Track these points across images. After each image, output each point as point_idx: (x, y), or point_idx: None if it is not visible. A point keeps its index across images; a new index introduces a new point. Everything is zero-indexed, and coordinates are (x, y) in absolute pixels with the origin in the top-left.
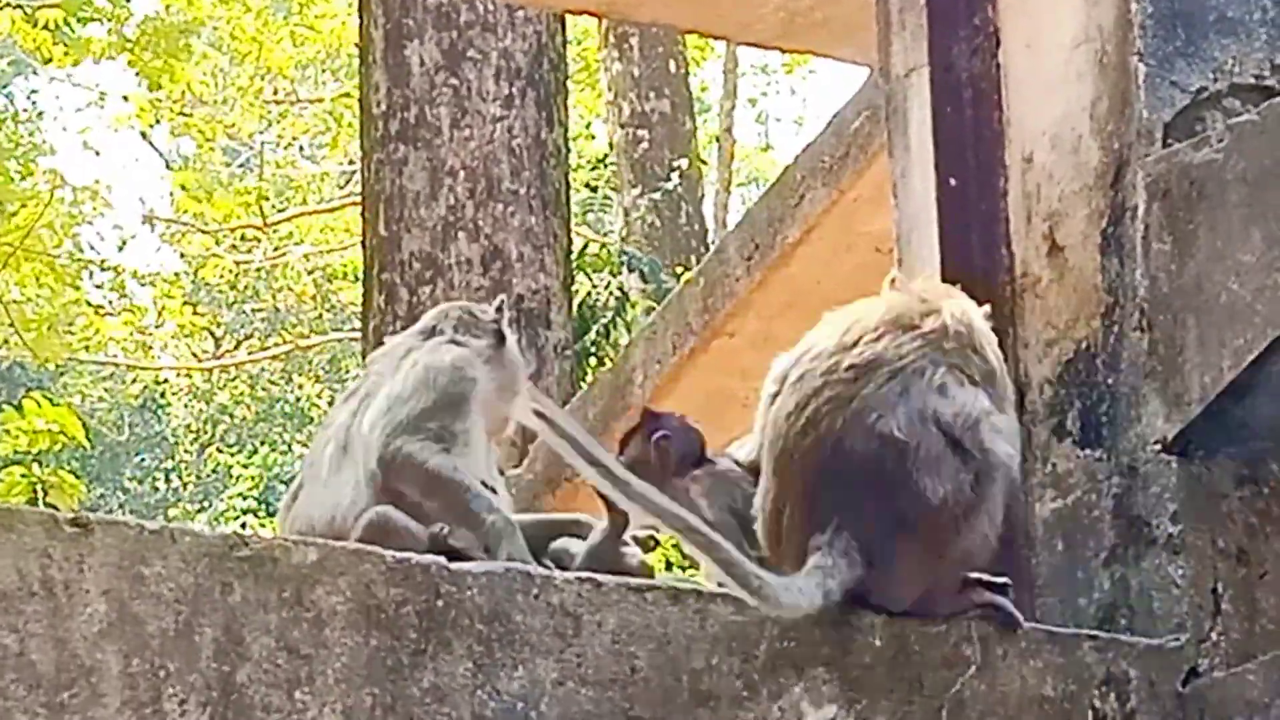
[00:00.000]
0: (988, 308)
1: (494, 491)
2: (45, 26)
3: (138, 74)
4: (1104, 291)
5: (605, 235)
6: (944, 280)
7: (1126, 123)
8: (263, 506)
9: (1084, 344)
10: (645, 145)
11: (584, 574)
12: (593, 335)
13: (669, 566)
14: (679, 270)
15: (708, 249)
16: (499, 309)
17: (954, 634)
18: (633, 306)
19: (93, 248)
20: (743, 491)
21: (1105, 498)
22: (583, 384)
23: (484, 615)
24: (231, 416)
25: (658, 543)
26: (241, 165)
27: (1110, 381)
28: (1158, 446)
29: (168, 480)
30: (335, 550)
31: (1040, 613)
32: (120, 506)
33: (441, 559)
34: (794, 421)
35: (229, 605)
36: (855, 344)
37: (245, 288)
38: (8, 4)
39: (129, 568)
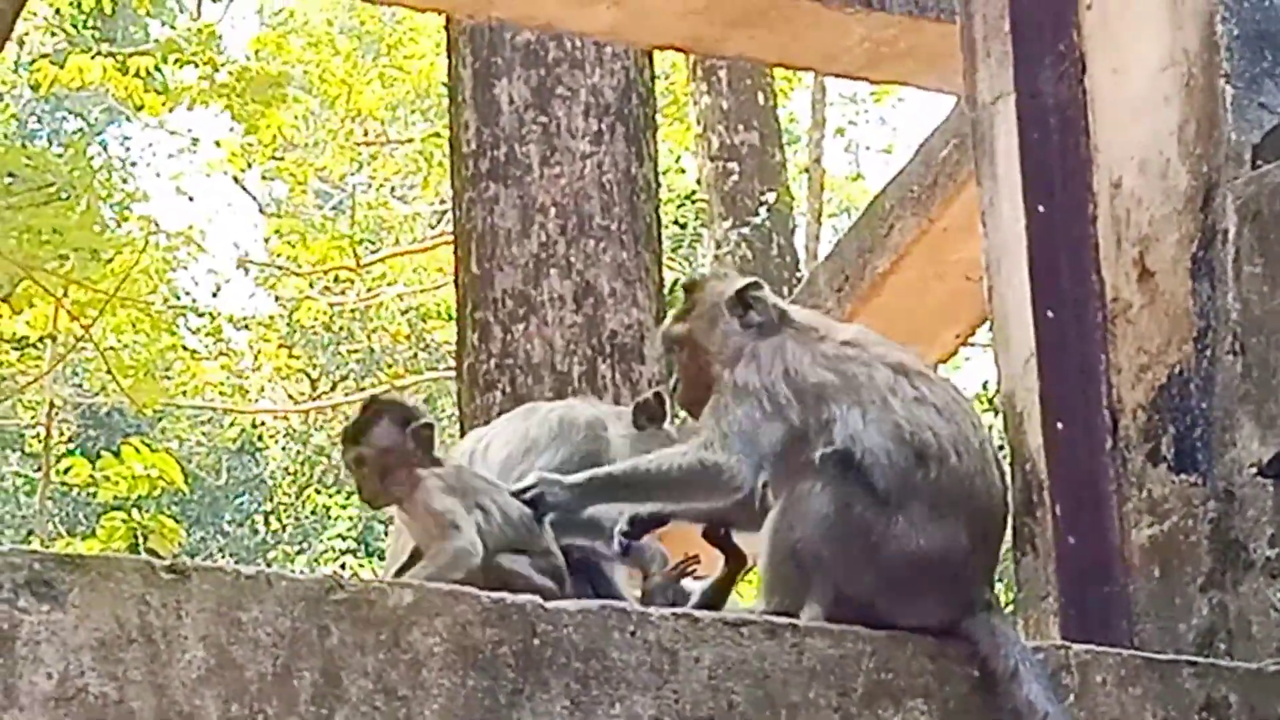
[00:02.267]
0: None
1: None
2: (137, 74)
3: (233, 118)
4: (1196, 316)
5: (696, 269)
6: (1035, 307)
7: (1215, 145)
8: (361, 547)
9: (1177, 369)
10: (735, 178)
11: (679, 610)
12: None
13: None
14: None
15: (799, 280)
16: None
17: (1052, 662)
18: None
19: (188, 293)
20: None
21: (1202, 522)
22: (676, 418)
23: (580, 653)
24: (328, 458)
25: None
26: (334, 207)
27: (1204, 406)
28: (1253, 470)
29: (266, 523)
30: (431, 591)
31: (1139, 639)
32: (220, 550)
33: (537, 598)
34: (982, 475)
35: (326, 648)
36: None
37: (340, 329)
38: (99, 52)
39: (226, 613)
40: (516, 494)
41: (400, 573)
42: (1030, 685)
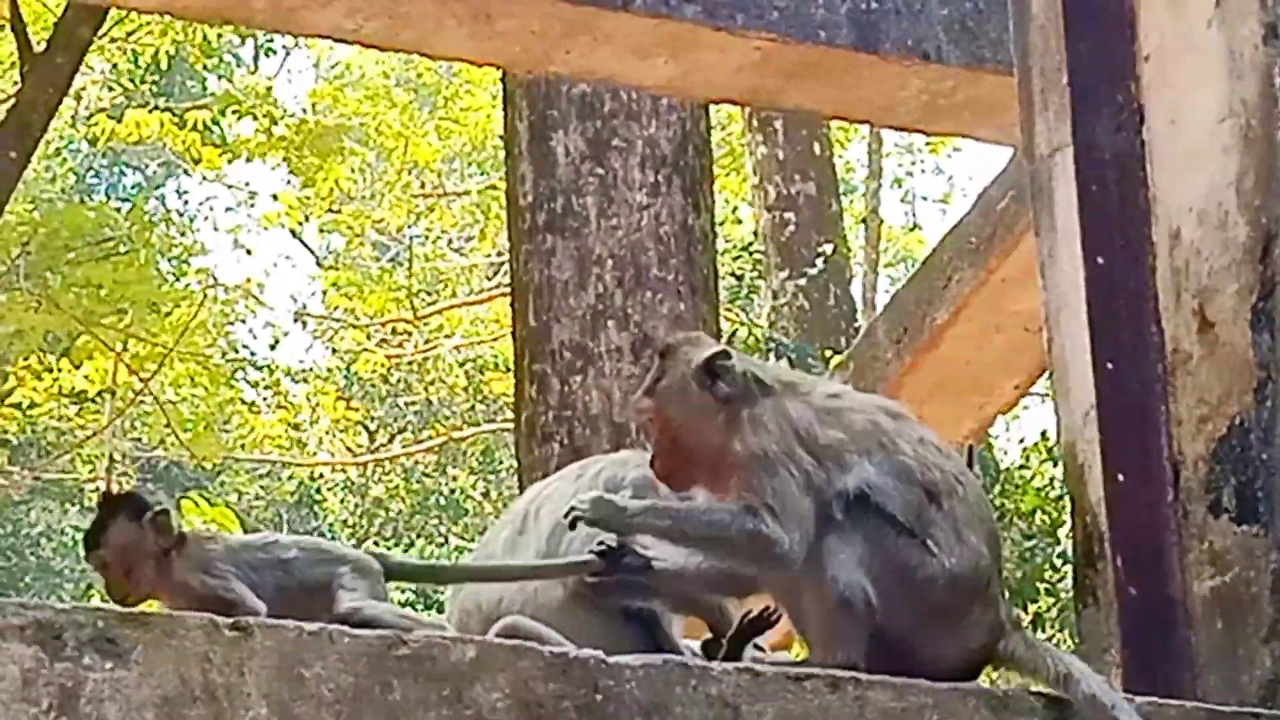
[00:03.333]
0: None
1: None
2: (194, 128)
3: (290, 171)
4: (1256, 366)
5: (754, 320)
6: (1094, 359)
7: (1274, 196)
8: (420, 599)
9: (1237, 419)
10: (791, 228)
11: (742, 664)
12: None
13: None
14: (828, 354)
15: (856, 331)
16: None
17: None
18: None
19: (246, 346)
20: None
21: (1264, 574)
22: None
23: (643, 708)
24: (386, 510)
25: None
26: (391, 259)
27: (1265, 457)
28: None
29: None
30: (493, 646)
31: (1201, 691)
32: None
33: (599, 653)
34: (981, 502)
35: (389, 704)
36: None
37: (398, 381)
38: (156, 107)
39: (289, 670)
40: (570, 511)
41: None
42: (1088, 680)
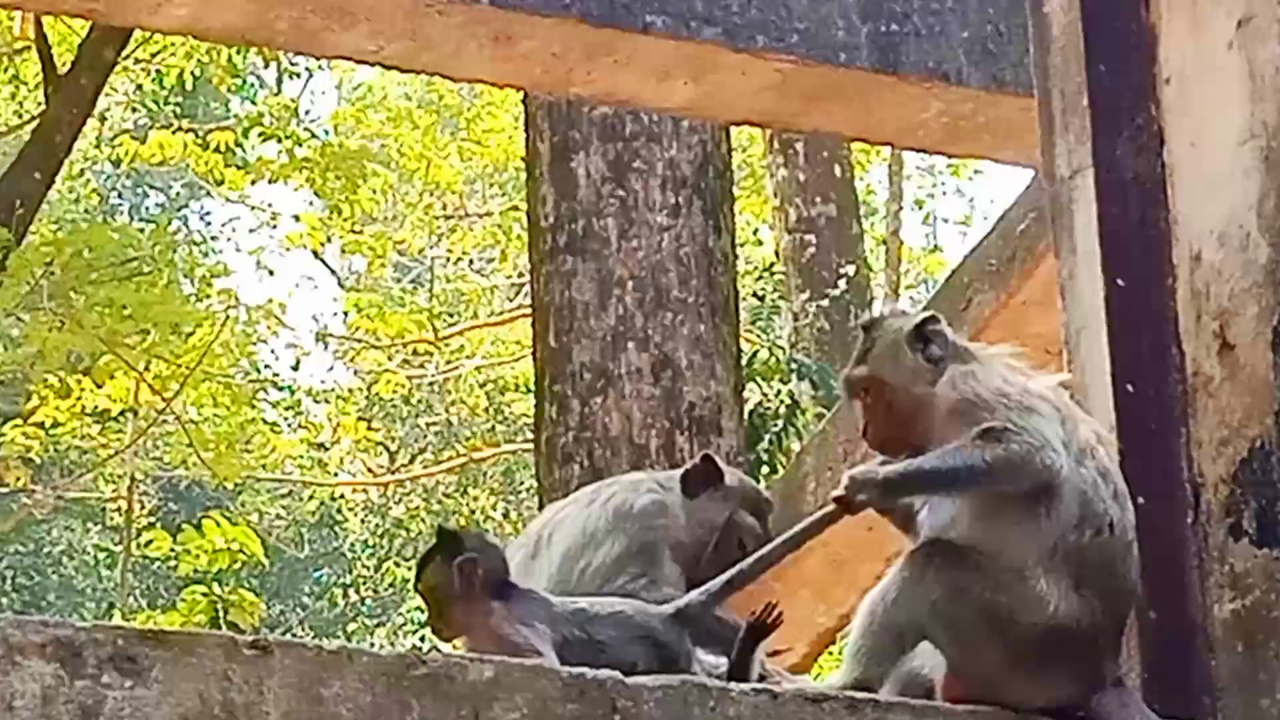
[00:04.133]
0: None
1: None
2: (217, 149)
3: (314, 193)
4: (1277, 389)
5: (775, 342)
6: (1114, 381)
7: None
8: None
9: (1258, 442)
10: (812, 250)
11: (760, 685)
12: (765, 443)
13: None
14: None
15: None
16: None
17: None
18: (804, 413)
19: (268, 366)
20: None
21: None
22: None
23: None
24: (407, 530)
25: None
26: (412, 281)
27: None
28: None
29: (346, 595)
30: (511, 666)
31: (1222, 714)
32: (300, 623)
33: (617, 673)
34: (1124, 560)
35: None
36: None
37: (419, 402)
38: (180, 128)
39: (308, 689)
40: (833, 499)
41: None
42: None
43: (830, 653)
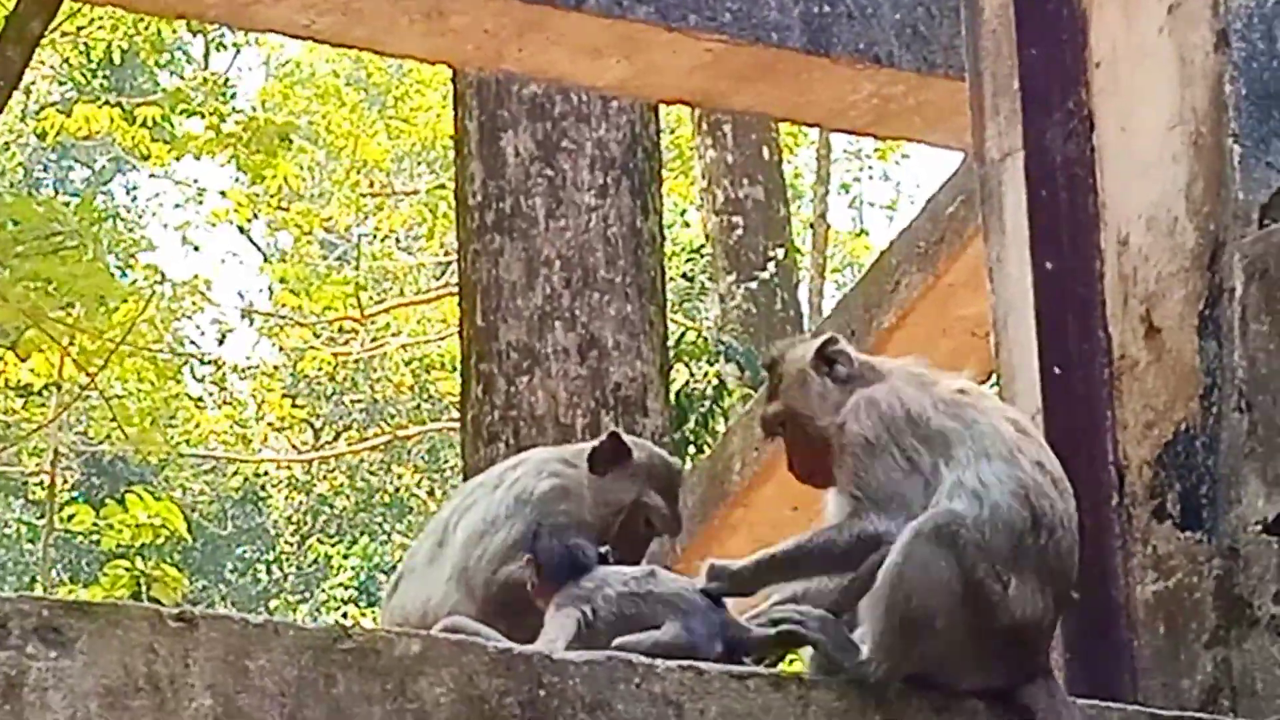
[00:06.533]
0: None
1: None
2: (144, 124)
3: (239, 168)
4: (1202, 373)
5: (701, 323)
6: (1041, 363)
7: (1222, 204)
8: (363, 596)
9: (1183, 426)
10: (739, 232)
11: (685, 662)
12: (691, 424)
13: None
14: None
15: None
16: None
17: None
18: (730, 395)
19: (193, 342)
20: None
21: (1206, 579)
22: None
23: (586, 705)
24: (331, 507)
25: None
26: (339, 258)
27: (1210, 463)
28: (1259, 527)
29: (269, 571)
30: (438, 641)
31: (1143, 695)
32: (222, 599)
33: (543, 649)
34: (1072, 553)
35: (333, 697)
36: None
37: (344, 379)
38: (106, 102)
39: (234, 662)
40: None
41: None
42: None
43: None
